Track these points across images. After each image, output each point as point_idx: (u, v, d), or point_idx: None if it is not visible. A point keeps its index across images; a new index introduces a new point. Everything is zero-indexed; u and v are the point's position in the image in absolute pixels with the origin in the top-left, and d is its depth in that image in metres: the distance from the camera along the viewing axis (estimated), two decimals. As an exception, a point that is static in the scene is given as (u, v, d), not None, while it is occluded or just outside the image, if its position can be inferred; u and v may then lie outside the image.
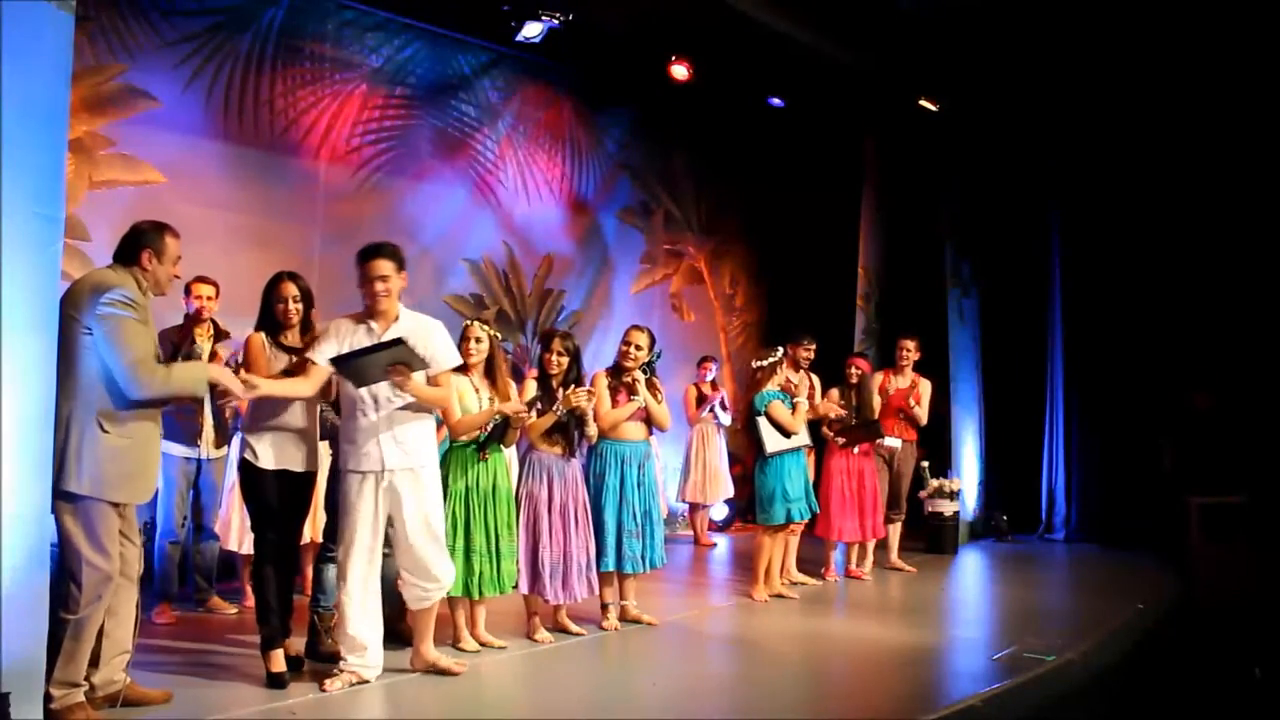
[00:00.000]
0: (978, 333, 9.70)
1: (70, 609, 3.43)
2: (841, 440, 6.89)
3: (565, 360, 5.03)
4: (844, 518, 6.90)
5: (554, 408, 4.94)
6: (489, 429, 4.75)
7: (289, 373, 4.19)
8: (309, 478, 4.37)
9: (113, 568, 3.55)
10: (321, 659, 4.47)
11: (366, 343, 4.09)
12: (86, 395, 3.46)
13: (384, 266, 4.17)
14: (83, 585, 3.46)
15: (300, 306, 4.31)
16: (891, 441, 7.31)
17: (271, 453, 4.20)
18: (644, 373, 5.38)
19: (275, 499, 4.22)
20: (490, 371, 4.86)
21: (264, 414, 4.21)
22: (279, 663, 4.16)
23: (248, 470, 4.23)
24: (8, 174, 3.13)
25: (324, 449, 4.79)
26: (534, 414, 4.91)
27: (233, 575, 5.90)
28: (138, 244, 3.72)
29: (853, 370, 7.10)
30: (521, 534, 4.95)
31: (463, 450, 4.78)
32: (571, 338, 5.19)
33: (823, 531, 6.92)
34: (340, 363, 3.98)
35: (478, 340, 4.82)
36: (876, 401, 7.26)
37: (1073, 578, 8.02)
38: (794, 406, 6.25)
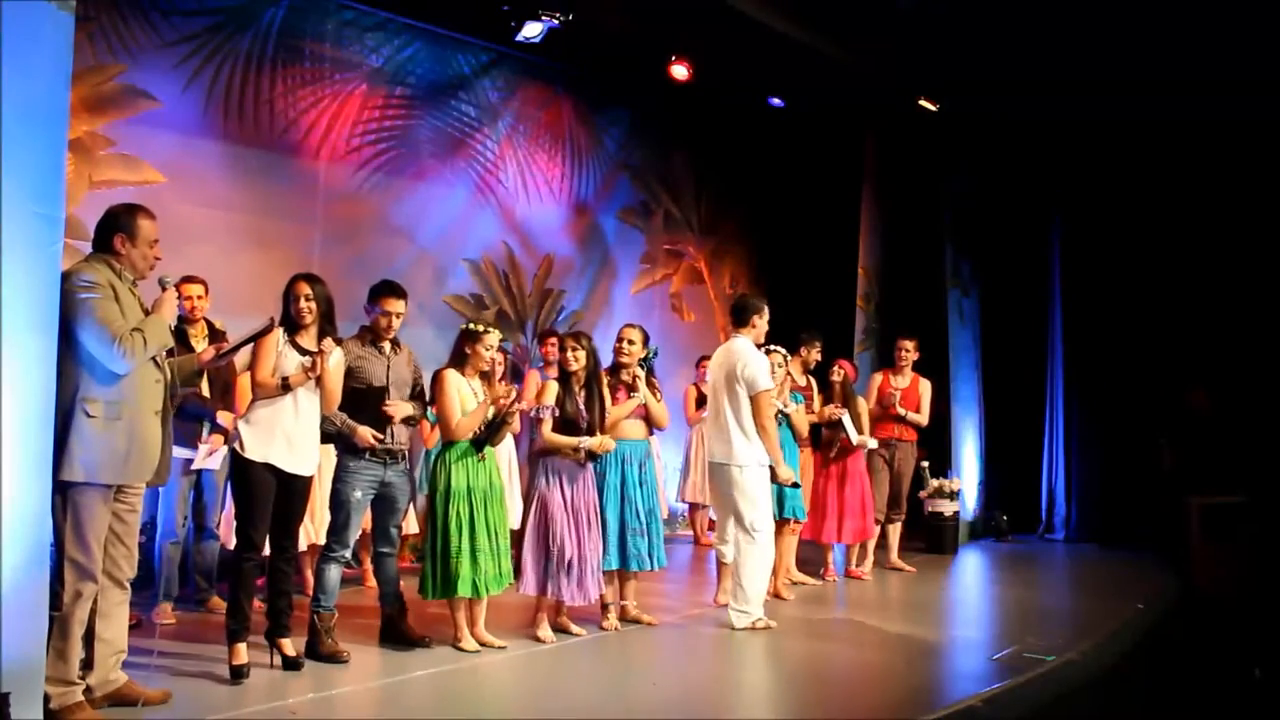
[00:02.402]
0: (978, 333, 9.70)
1: (54, 606, 3.42)
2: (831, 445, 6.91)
3: (583, 356, 5.11)
4: (825, 520, 6.88)
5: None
6: (483, 427, 4.80)
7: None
8: (300, 480, 4.36)
9: (94, 566, 3.54)
10: (322, 659, 4.47)
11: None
12: (72, 385, 3.47)
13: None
14: (64, 582, 3.47)
15: (312, 305, 4.34)
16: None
17: (259, 445, 4.22)
18: (642, 367, 5.40)
19: (259, 491, 4.23)
20: (486, 374, 4.99)
21: (258, 408, 4.25)
22: (241, 656, 4.20)
23: (235, 459, 4.26)
24: (8, 174, 3.13)
25: (328, 451, 4.81)
26: (549, 417, 4.98)
27: (233, 575, 5.89)
28: (110, 229, 3.71)
29: (835, 370, 7.03)
30: (531, 535, 4.97)
31: (460, 449, 4.80)
32: (585, 336, 5.25)
33: (805, 532, 6.89)
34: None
35: (487, 348, 4.92)
36: (861, 404, 7.19)
37: (1073, 578, 8.02)
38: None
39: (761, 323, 5.59)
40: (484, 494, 4.80)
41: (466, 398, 4.81)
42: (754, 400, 5.36)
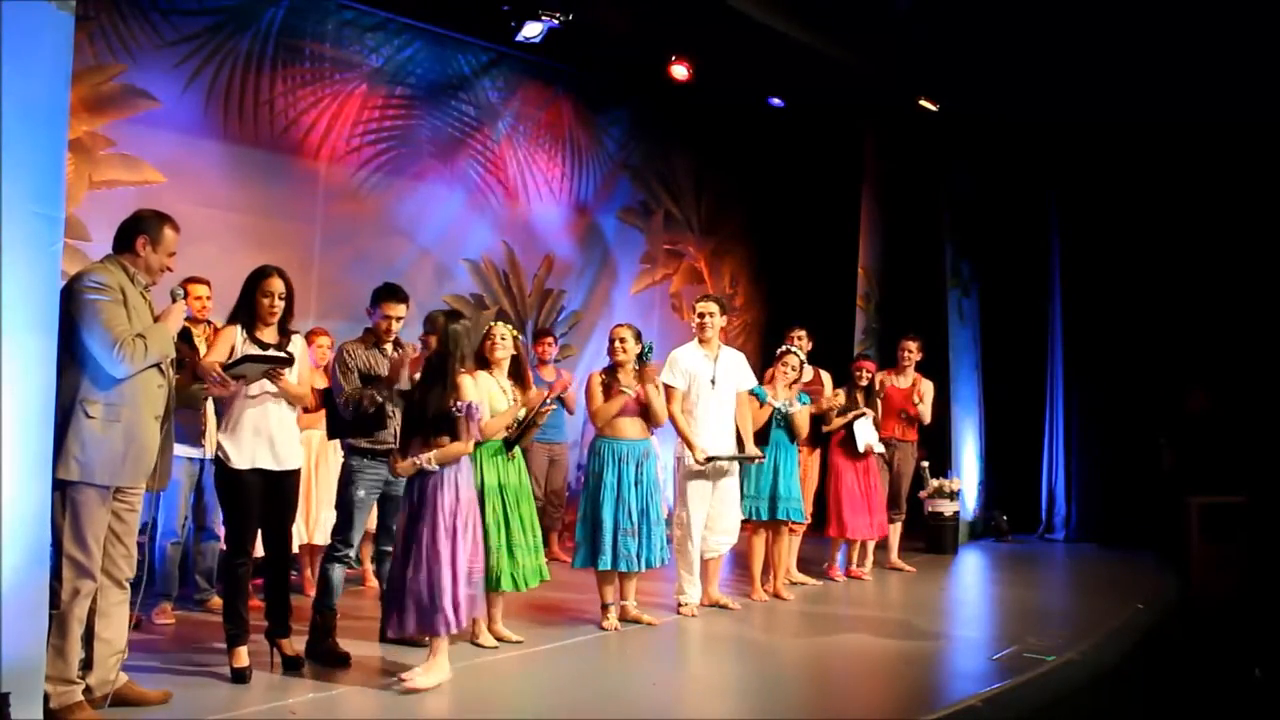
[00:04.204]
0: (978, 333, 9.71)
1: (53, 604, 3.42)
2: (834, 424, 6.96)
3: (431, 341, 4.50)
4: (857, 515, 6.93)
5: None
6: (515, 427, 4.84)
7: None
8: (288, 477, 4.34)
9: (93, 564, 3.55)
10: (322, 659, 4.47)
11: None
12: (73, 384, 3.48)
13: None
14: (62, 580, 3.47)
15: (282, 305, 4.29)
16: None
17: (244, 451, 4.19)
18: (639, 364, 5.40)
19: (247, 499, 4.22)
20: (516, 372, 4.98)
21: (236, 411, 4.21)
22: (242, 659, 4.20)
23: (221, 469, 4.23)
24: (8, 174, 3.14)
25: (334, 448, 4.80)
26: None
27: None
28: (135, 229, 3.75)
29: (863, 373, 7.10)
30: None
31: (492, 448, 4.82)
32: (448, 317, 4.46)
33: (836, 531, 6.93)
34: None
35: (502, 338, 4.92)
36: (877, 404, 7.26)
37: (1073, 578, 8.02)
38: (764, 405, 6.26)
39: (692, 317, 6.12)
40: (515, 491, 4.87)
41: (495, 397, 4.80)
42: None
